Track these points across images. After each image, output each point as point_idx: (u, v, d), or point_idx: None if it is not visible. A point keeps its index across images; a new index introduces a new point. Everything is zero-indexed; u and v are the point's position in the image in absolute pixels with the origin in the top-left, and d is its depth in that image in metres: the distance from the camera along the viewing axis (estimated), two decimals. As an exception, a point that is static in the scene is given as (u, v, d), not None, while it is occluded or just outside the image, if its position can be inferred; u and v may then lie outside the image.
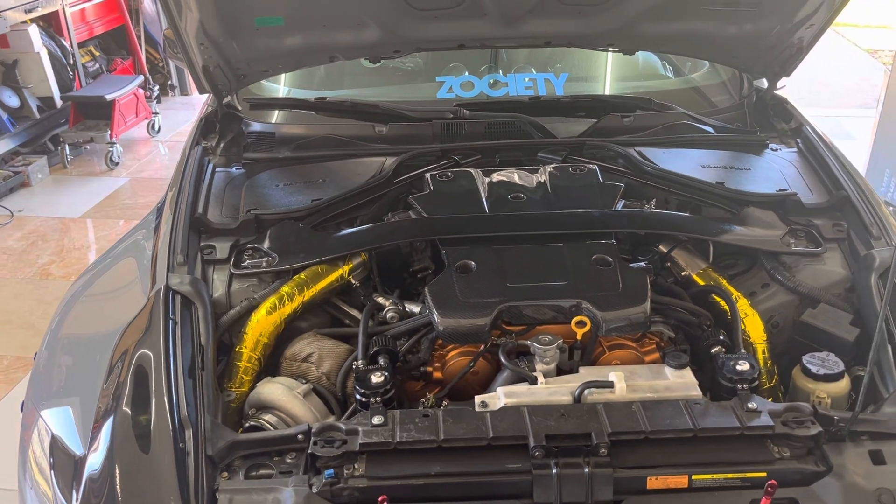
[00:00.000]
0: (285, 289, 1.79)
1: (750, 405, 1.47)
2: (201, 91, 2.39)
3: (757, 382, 1.57)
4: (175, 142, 6.36)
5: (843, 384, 1.61)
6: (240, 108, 2.59)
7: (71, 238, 4.80)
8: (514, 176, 2.12)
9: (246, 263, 1.88)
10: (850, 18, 9.70)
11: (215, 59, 2.22)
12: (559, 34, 2.27)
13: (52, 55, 5.90)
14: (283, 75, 2.80)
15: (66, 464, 1.52)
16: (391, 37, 2.22)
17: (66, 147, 5.85)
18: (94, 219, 5.08)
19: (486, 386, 1.68)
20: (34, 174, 5.54)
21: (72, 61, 6.12)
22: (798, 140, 2.38)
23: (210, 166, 2.29)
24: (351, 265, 1.88)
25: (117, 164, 5.85)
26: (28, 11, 5.59)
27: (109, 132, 5.80)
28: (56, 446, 1.57)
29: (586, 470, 1.36)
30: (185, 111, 7.10)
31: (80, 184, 5.62)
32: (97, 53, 6.74)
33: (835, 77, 7.92)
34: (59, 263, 4.45)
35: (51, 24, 6.07)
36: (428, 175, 2.13)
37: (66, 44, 6.11)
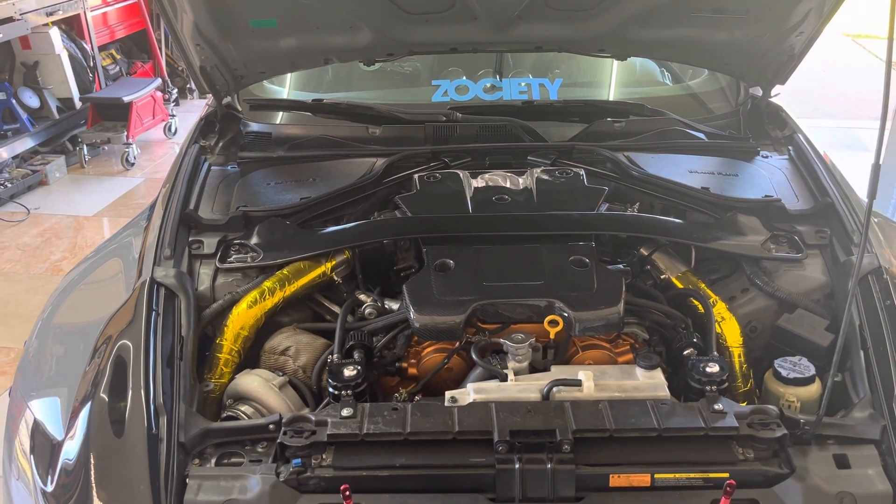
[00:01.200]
0: (267, 284, 1.83)
1: (716, 406, 1.47)
2: (201, 91, 2.45)
3: (726, 384, 1.57)
4: (191, 144, 6.45)
5: (814, 388, 1.61)
6: (240, 108, 2.65)
7: (84, 236, 4.89)
8: (501, 179, 2.14)
9: (232, 258, 1.92)
10: (870, 30, 9.61)
11: (212, 59, 2.27)
12: (549, 39, 2.29)
13: (72, 57, 6.03)
14: (287, 78, 2.85)
15: (44, 448, 1.56)
16: (383, 40, 2.26)
17: (84, 147, 5.97)
18: (108, 217, 5.18)
19: (460, 382, 1.71)
20: (52, 173, 5.66)
21: (92, 63, 6.26)
22: (790, 148, 2.38)
23: (206, 164, 2.33)
24: (334, 262, 1.91)
25: (133, 164, 5.96)
26: (49, 14, 5.72)
27: (126, 133, 5.91)
28: (37, 430, 1.61)
29: (549, 466, 1.38)
30: (202, 114, 7.20)
31: (97, 183, 5.73)
32: (118, 56, 6.89)
33: (853, 87, 7.84)
34: (70, 260, 4.54)
35: (72, 28, 6.22)
36: (416, 176, 2.16)
37: (87, 46, 6.24)
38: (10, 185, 5.32)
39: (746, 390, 1.75)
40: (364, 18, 2.17)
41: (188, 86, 7.59)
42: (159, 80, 6.57)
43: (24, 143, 5.57)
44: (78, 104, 6.04)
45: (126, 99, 5.90)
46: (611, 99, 2.87)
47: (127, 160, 5.93)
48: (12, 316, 3.97)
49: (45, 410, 1.68)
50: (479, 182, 2.12)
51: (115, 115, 6.03)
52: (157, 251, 1.86)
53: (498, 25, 2.22)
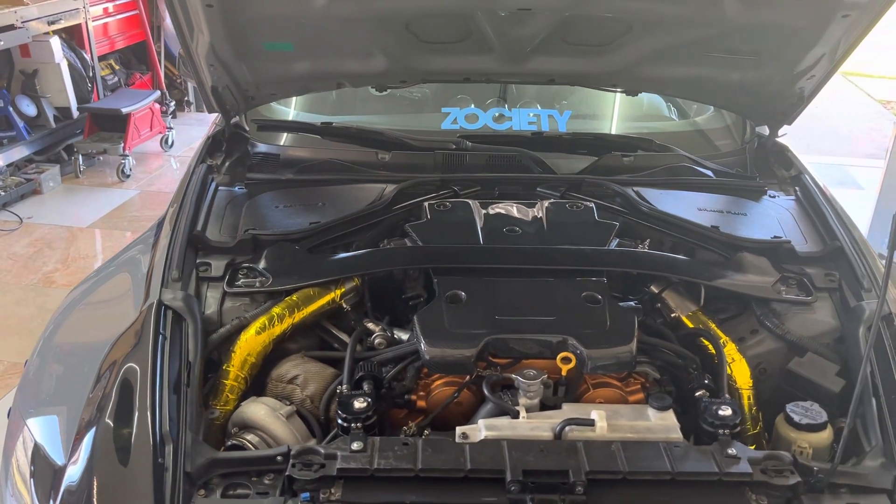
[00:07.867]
0: (276, 310, 1.80)
1: (730, 451, 1.46)
2: (210, 110, 2.43)
3: (739, 428, 1.56)
4: (187, 157, 6.43)
5: (826, 435, 1.60)
6: (247, 128, 2.63)
7: (77, 247, 4.84)
8: (512, 209, 2.14)
9: (240, 282, 1.89)
10: (864, 69, 9.77)
11: (224, 80, 2.26)
12: (563, 73, 2.30)
13: (71, 67, 6.01)
14: (293, 99, 2.85)
15: (46, 473, 1.53)
16: (398, 67, 2.26)
17: (80, 157, 5.93)
18: (101, 229, 5.14)
19: (469, 417, 1.69)
20: (46, 182, 5.62)
21: (91, 73, 6.23)
22: (797, 188, 2.40)
23: (213, 184, 2.31)
24: (343, 289, 1.89)
25: (129, 176, 5.93)
26: (51, 23, 5.71)
27: (123, 144, 5.88)
28: (38, 454, 1.58)
29: (561, 507, 1.36)
30: (199, 127, 7.19)
31: (91, 194, 5.69)
32: (117, 67, 6.87)
33: (845, 125, 7.95)
34: (63, 271, 4.49)
35: (73, 37, 6.20)
36: (426, 204, 2.15)
37: (87, 56, 6.22)
38: (3, 194, 5.27)
39: (755, 433, 1.74)
40: (381, 46, 2.17)
41: (185, 98, 7.58)
42: (158, 93, 6.55)
43: (20, 152, 5.53)
44: (75, 114, 6.01)
45: (125, 110, 5.88)
46: (617, 132, 2.88)
47: (122, 172, 5.90)
48: (2, 328, 3.91)
49: (44, 431, 1.65)
50: (489, 212, 2.12)
51: (113, 125, 6.01)
52: (164, 273, 1.83)
53: (513, 57, 2.23)
